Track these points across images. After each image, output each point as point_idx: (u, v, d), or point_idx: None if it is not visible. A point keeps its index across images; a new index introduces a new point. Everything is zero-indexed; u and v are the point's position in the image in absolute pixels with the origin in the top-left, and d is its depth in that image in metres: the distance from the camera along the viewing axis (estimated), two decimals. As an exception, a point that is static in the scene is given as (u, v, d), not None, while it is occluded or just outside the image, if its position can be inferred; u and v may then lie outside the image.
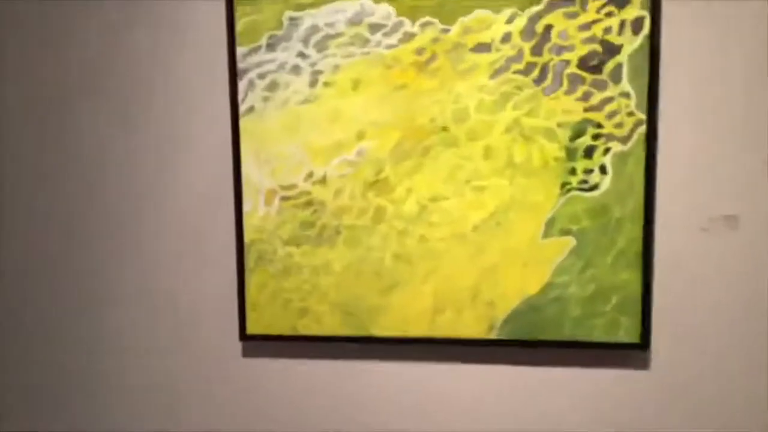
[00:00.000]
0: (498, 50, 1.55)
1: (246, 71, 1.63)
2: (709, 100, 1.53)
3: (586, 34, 1.53)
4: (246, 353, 1.72)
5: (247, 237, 1.66)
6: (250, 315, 1.69)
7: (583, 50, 1.53)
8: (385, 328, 1.64)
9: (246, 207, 1.66)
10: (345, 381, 1.69)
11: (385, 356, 1.66)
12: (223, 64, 1.65)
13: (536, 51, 1.54)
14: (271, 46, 1.62)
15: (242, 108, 1.63)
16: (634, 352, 1.59)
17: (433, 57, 1.57)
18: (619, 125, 1.54)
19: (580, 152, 1.55)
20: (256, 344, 1.71)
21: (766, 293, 1.54)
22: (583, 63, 1.54)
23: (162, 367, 1.75)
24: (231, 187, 1.66)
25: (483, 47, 1.55)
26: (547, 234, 1.58)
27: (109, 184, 1.74)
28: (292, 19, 1.61)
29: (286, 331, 1.68)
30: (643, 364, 1.59)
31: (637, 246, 1.54)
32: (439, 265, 1.61)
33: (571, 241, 1.57)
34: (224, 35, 1.65)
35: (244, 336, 1.70)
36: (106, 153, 1.73)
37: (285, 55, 1.61)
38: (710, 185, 1.54)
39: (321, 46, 1.60)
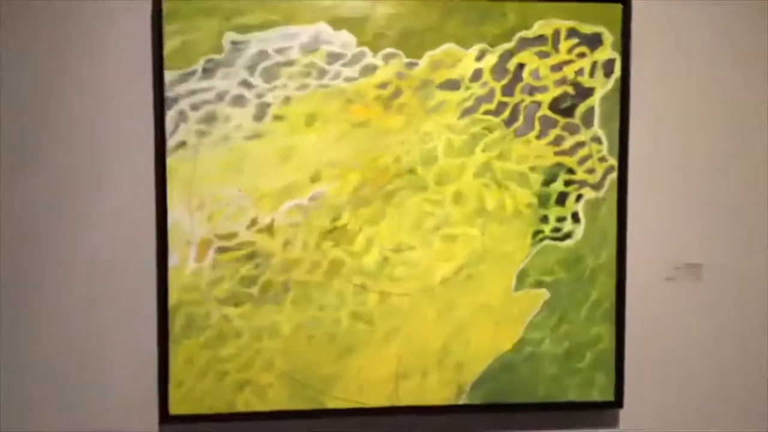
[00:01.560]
0: (468, 88, 1.45)
1: (175, 100, 1.39)
2: (676, 146, 1.53)
3: (558, 75, 1.48)
4: (167, 439, 1.42)
5: (173, 298, 1.40)
6: (174, 393, 1.41)
7: (555, 92, 1.47)
8: (340, 399, 1.44)
9: (172, 261, 1.40)
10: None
11: (342, 430, 1.46)
12: (147, 91, 1.40)
13: (507, 91, 1.46)
14: (208, 72, 1.39)
15: (171, 143, 1.39)
16: (607, 411, 1.52)
17: (397, 92, 1.44)
18: (591, 171, 1.49)
19: (553, 199, 1.48)
20: (181, 428, 1.41)
21: (732, 342, 1.55)
22: (555, 105, 1.47)
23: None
24: (153, 236, 1.41)
25: (452, 84, 1.45)
26: (519, 286, 1.48)
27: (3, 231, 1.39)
28: (234, 42, 1.39)
29: (221, 408, 1.42)
30: (615, 422, 1.53)
31: (611, 299, 1.49)
32: (403, 324, 1.46)
33: (544, 294, 1.48)
34: (149, 56, 1.39)
35: (165, 417, 1.41)
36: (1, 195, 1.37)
37: (225, 83, 1.40)
38: (677, 234, 1.53)
39: (270, 75, 1.41)
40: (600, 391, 1.50)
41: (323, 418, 1.43)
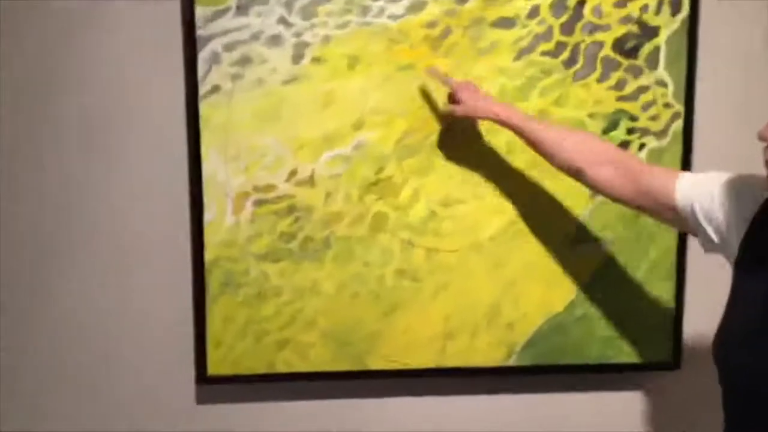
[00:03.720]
0: (524, 26, 1.34)
1: (208, 40, 1.28)
2: (750, 92, 1.41)
3: (622, 12, 1.35)
4: (204, 399, 1.39)
5: (209, 254, 1.32)
6: (212, 353, 1.35)
7: (618, 31, 1.35)
8: (385, 359, 1.38)
9: (208, 215, 1.32)
10: (337, 424, 1.41)
11: (386, 392, 1.41)
12: (176, 29, 1.29)
13: (567, 29, 1.34)
14: (242, 9, 1.28)
15: (203, 88, 1.29)
16: (664, 372, 1.45)
17: (447, 31, 1.32)
18: (655, 117, 1.38)
19: None
20: (219, 388, 1.36)
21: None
22: (618, 45, 1.36)
23: (95, 412, 1.35)
24: (186, 189, 1.32)
25: (506, 22, 1.33)
26: (574, 244, 1.39)
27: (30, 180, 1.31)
28: (270, -25, 1.27)
29: (261, 369, 1.36)
30: (673, 384, 1.46)
31: (671, 258, 1.40)
32: (451, 281, 1.38)
33: (601, 252, 1.39)
34: None
35: (203, 378, 1.36)
36: (21, 145, 1.30)
37: (260, 21, 1.29)
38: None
39: (308, 12, 1.29)
40: (656, 352, 1.43)
41: (367, 378, 1.38)
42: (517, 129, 1.21)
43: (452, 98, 1.27)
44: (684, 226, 1.09)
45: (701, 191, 1.03)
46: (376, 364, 1.37)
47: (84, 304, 1.34)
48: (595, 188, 1.18)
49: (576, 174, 1.18)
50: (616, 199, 1.17)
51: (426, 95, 1.31)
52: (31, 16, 1.26)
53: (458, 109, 1.25)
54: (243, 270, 1.33)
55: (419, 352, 1.38)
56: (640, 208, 1.15)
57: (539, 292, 1.39)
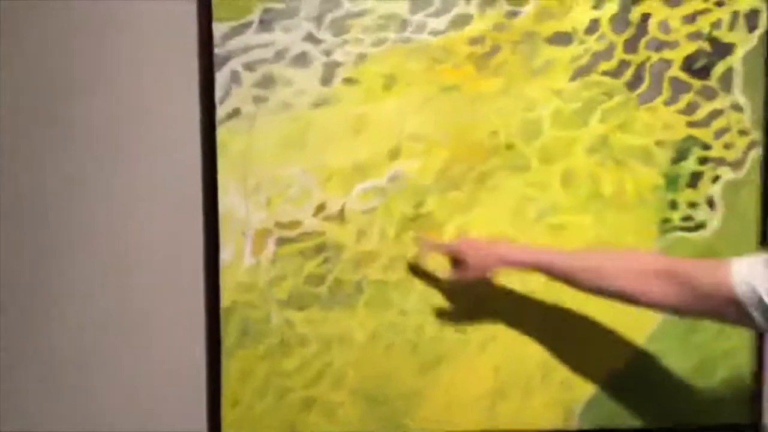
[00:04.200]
0: (582, 42, 1.22)
1: (227, 59, 1.18)
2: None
3: (691, 27, 1.24)
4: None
5: (226, 299, 1.20)
6: (227, 413, 1.22)
7: (687, 48, 1.23)
8: (425, 421, 1.24)
9: (224, 255, 1.20)
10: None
11: None
12: (191, 46, 1.18)
13: (630, 46, 1.22)
14: (265, 24, 1.17)
15: (221, 112, 1.18)
16: (743, 435, 1.29)
17: (495, 48, 1.21)
18: (729, 146, 1.25)
19: (684, 180, 1.25)
20: (235, 453, 1.22)
21: None
22: (687, 64, 1.24)
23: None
24: (200, 226, 1.20)
25: (562, 38, 1.22)
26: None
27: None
28: (298, -13, 1.17)
29: (282, 431, 1.23)
30: None
31: (752, 301, 1.23)
32: (501, 332, 1.25)
33: (671, 296, 1.23)
34: (194, 3, 1.17)
35: (217, 441, 1.22)
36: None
37: (287, 38, 1.18)
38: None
39: (340, 28, 1.18)
40: (734, 412, 1.29)
41: (404, 443, 1.23)
42: (545, 270, 1.09)
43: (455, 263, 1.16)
44: (750, 320, 0.94)
45: (759, 270, 0.91)
46: (414, 427, 1.24)
47: (80, 353, 1.22)
48: (654, 308, 1.06)
49: (629, 301, 1.04)
50: (677, 312, 1.06)
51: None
52: (31, 17, 1.17)
53: (464, 275, 1.14)
54: (263, 318, 1.21)
55: (464, 413, 1.25)
56: (702, 314, 1.03)
57: (602, 342, 1.26)
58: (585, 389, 1.26)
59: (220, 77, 1.17)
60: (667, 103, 1.23)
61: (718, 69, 1.24)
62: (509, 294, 1.21)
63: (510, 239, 1.21)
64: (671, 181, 1.24)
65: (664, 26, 1.23)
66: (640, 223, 1.23)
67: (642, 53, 1.22)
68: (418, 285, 1.22)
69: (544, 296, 1.23)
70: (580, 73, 1.22)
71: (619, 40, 1.22)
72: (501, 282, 1.19)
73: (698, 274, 0.97)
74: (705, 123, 1.24)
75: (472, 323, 1.21)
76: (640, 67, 1.22)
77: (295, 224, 1.20)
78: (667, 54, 1.23)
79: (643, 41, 1.22)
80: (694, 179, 1.25)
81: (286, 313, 1.21)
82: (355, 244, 1.21)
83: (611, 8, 1.21)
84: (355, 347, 1.22)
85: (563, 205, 1.23)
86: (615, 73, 1.22)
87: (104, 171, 1.20)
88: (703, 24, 1.23)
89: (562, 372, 1.25)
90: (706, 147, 1.24)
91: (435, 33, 1.19)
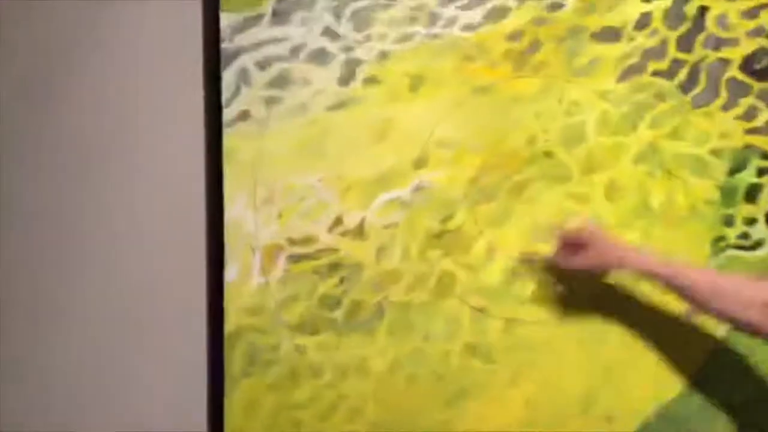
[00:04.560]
0: (631, 39, 1.19)
1: (236, 55, 1.22)
2: None
3: (752, 23, 1.19)
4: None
5: (230, 323, 1.22)
6: None
7: (748, 46, 1.18)
8: None
9: (230, 274, 1.23)
10: None
11: None
12: (196, 41, 1.21)
13: (684, 44, 1.19)
14: (279, 17, 1.21)
15: (229, 114, 1.22)
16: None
17: (535, 45, 1.21)
18: None
19: (741, 193, 1.20)
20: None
21: None
22: (747, 65, 1.19)
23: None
24: (203, 240, 1.23)
25: (610, 34, 1.20)
26: (691, 312, 1.20)
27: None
28: (315, -24, 1.20)
29: None
30: None
31: (814, 330, 1.19)
32: (535, 361, 1.21)
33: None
34: None
35: (219, 480, 1.22)
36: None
37: (303, 32, 1.21)
38: None
39: (363, 21, 1.21)
40: None
41: (428, 483, 1.22)
42: (664, 280, 1.08)
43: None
44: None
45: None
46: (438, 464, 1.21)
47: (76, 378, 1.25)
48: (759, 336, 1.05)
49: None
50: None
51: None
52: (31, 15, 1.24)
53: (576, 261, 1.12)
54: (272, 344, 1.22)
55: (494, 449, 1.21)
56: None
57: (648, 373, 1.21)
58: (629, 424, 1.19)
59: (228, 76, 1.20)
60: (724, 108, 1.20)
61: (782, 70, 1.20)
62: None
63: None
64: (727, 195, 1.20)
65: (722, 22, 1.18)
66: (691, 240, 1.19)
67: (698, 52, 1.19)
68: (445, 309, 1.20)
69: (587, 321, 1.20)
70: (629, 73, 1.20)
71: (673, 37, 1.19)
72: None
73: None
74: (766, 130, 1.20)
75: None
76: (695, 67, 1.19)
77: (308, 240, 1.21)
78: (725, 53, 1.19)
79: (699, 38, 1.19)
80: (753, 193, 1.20)
81: (297, 338, 1.21)
82: (375, 263, 1.21)
83: (665, 1, 1.18)
84: (373, 377, 1.21)
85: (607, 220, 1.20)
86: (667, 74, 1.20)
87: (96, 181, 1.25)
88: (766, 20, 1.19)
89: (603, 405, 1.19)
90: (766, 157, 1.20)
91: (467, 28, 1.20)
